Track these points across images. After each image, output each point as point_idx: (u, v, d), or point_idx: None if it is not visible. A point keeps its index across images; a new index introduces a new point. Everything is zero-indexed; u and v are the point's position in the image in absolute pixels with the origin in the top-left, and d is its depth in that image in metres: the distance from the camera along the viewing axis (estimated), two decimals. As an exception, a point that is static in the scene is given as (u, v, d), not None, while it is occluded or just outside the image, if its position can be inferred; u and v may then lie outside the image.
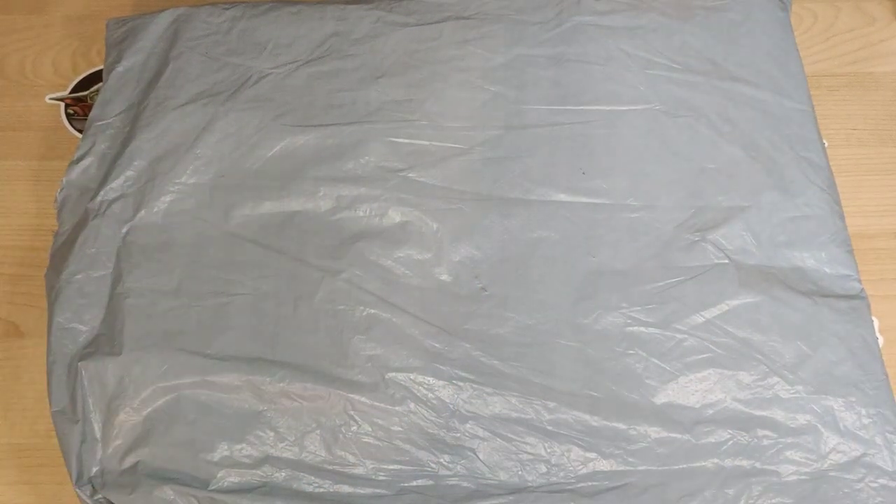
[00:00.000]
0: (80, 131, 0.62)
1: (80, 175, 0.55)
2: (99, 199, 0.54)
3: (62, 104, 0.64)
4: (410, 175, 0.53)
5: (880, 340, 0.55)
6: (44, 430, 0.53)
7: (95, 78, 0.65)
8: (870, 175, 0.60)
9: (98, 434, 0.47)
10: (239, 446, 0.48)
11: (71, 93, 0.64)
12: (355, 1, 0.60)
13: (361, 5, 0.58)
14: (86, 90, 0.64)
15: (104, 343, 0.49)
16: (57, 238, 0.54)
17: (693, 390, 0.48)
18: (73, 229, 0.54)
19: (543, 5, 0.58)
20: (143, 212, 0.53)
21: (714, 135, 0.55)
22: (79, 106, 0.64)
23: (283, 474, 0.48)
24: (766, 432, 0.47)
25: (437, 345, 0.50)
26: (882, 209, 0.59)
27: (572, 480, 0.47)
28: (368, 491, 0.47)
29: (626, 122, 0.56)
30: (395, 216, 0.52)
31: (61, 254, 0.53)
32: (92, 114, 0.57)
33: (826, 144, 0.60)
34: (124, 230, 0.53)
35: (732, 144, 0.55)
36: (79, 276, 0.52)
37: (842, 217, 0.54)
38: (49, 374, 0.49)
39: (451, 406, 0.49)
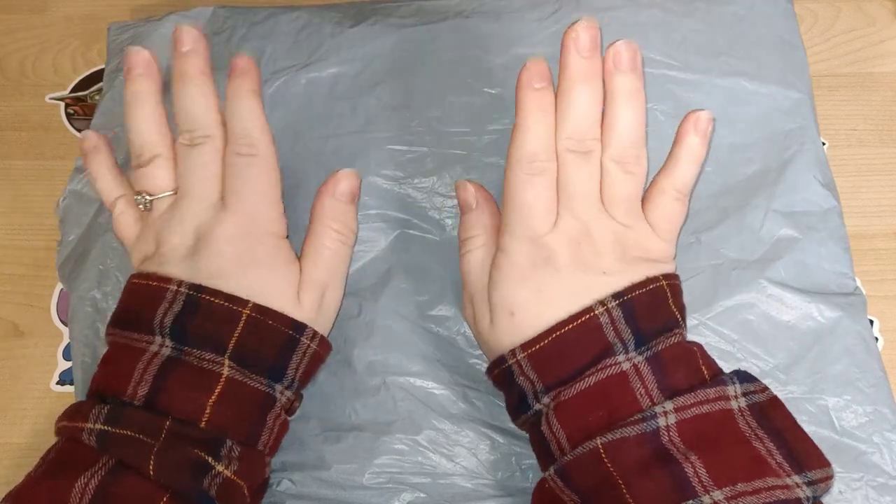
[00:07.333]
0: (80, 131, 0.62)
1: (83, 185, 0.55)
2: (107, 213, 0.53)
3: (62, 104, 0.64)
4: (411, 182, 0.53)
5: (880, 341, 0.55)
6: (44, 430, 0.53)
7: (95, 78, 0.64)
8: (870, 175, 0.60)
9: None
10: (239, 448, 0.48)
11: (71, 92, 0.64)
12: (354, 5, 0.60)
13: (360, 10, 0.58)
14: (86, 90, 0.64)
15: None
16: (62, 248, 0.55)
17: (690, 392, 0.48)
18: (79, 242, 0.54)
19: (542, 3, 0.57)
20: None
21: (713, 135, 0.55)
22: (79, 106, 0.64)
23: (283, 476, 0.48)
24: (764, 433, 0.47)
25: (437, 349, 0.50)
26: (882, 209, 0.59)
27: (570, 482, 0.47)
28: (368, 492, 0.48)
29: (625, 123, 0.55)
30: (395, 224, 0.52)
31: (70, 268, 0.54)
32: (94, 122, 0.57)
33: (826, 144, 0.60)
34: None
35: (731, 143, 0.55)
36: (93, 293, 0.52)
37: (839, 214, 0.54)
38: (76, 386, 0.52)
39: (450, 408, 0.49)
